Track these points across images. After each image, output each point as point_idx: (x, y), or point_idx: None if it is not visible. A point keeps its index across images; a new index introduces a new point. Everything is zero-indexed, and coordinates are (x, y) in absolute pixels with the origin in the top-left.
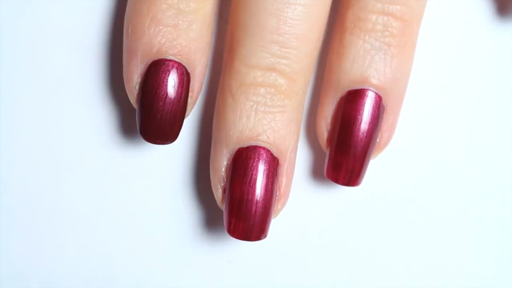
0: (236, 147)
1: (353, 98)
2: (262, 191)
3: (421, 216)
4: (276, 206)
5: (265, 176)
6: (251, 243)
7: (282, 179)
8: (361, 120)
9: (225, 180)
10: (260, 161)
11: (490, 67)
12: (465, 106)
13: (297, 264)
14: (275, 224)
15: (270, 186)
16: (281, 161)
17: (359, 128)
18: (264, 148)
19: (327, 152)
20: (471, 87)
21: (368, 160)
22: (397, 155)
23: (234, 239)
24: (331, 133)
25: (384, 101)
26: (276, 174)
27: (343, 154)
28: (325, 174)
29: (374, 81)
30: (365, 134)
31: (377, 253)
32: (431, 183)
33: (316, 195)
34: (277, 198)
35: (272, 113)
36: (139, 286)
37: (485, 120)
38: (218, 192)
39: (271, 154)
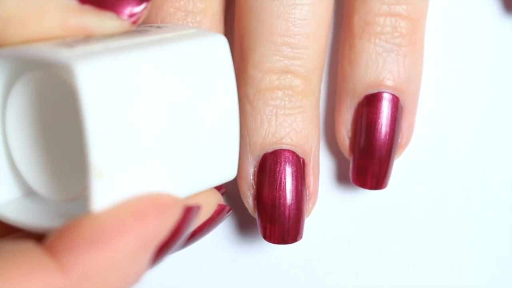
0: (261, 153)
1: (371, 102)
2: (293, 194)
3: (427, 217)
4: (307, 205)
5: (293, 178)
6: (254, 243)
7: (310, 179)
8: (382, 124)
9: (254, 187)
10: (287, 164)
11: (492, 69)
12: (470, 106)
13: (301, 263)
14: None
15: (300, 188)
16: (306, 161)
17: (381, 132)
18: (289, 151)
19: (351, 159)
20: (476, 86)
21: (393, 162)
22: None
23: (238, 238)
24: (353, 140)
25: (401, 101)
26: (303, 175)
27: (368, 159)
28: (351, 180)
29: (389, 83)
30: (387, 137)
31: (381, 253)
32: (436, 183)
33: (320, 195)
34: (307, 198)
35: (293, 115)
36: (142, 285)
37: (490, 120)
38: (249, 200)
39: (297, 156)
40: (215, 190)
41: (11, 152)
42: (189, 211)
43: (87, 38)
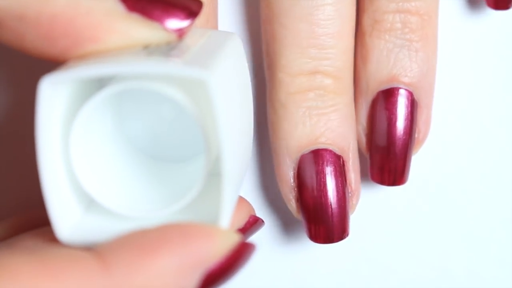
0: (299, 155)
1: (384, 98)
2: (334, 192)
3: (445, 215)
4: (350, 202)
5: (333, 176)
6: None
7: (351, 175)
8: (396, 119)
9: (295, 189)
10: (325, 163)
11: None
12: (478, 104)
13: (301, 263)
14: (278, 225)
15: (340, 186)
16: (345, 158)
17: (395, 127)
18: (326, 150)
19: (368, 156)
20: (487, 82)
21: (410, 157)
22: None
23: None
24: (369, 137)
25: (415, 96)
26: (343, 172)
27: (384, 155)
28: (370, 177)
29: (402, 78)
30: (402, 132)
31: (381, 253)
32: (439, 183)
33: None
34: (350, 194)
35: (326, 114)
36: None
37: (497, 119)
38: (291, 203)
39: (334, 154)
40: (247, 201)
41: (73, 167)
42: (244, 247)
43: (151, 47)
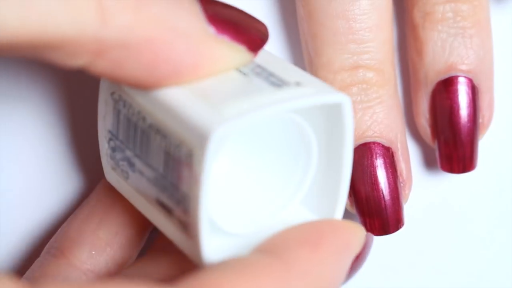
0: None
1: (444, 88)
2: (386, 184)
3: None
4: (403, 192)
5: (383, 168)
6: None
7: (401, 165)
8: (459, 107)
9: None
10: (374, 156)
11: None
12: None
13: None
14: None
15: (391, 177)
16: (394, 149)
17: (458, 115)
18: (374, 143)
19: (435, 146)
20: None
21: (477, 143)
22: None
23: None
24: (433, 128)
25: (475, 82)
26: (393, 163)
27: (451, 144)
28: (439, 167)
29: (459, 66)
30: (466, 119)
31: (380, 253)
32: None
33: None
34: (402, 184)
35: (371, 107)
36: None
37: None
38: None
39: (383, 146)
40: None
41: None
42: (369, 238)
43: (248, 72)
